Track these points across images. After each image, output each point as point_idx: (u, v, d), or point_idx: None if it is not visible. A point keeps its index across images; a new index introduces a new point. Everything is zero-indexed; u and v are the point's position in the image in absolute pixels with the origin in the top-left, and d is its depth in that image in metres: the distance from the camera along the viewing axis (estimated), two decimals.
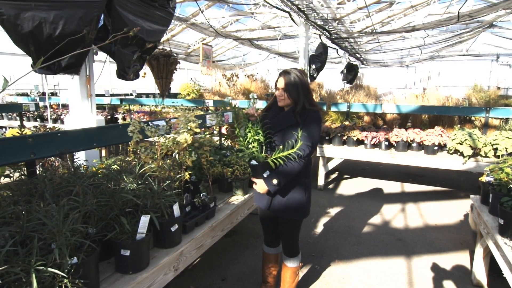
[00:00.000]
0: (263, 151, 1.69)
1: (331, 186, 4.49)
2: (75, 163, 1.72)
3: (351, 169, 5.27)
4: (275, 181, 1.60)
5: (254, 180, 1.71)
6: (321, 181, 4.29)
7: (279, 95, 1.69)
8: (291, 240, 1.84)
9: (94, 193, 1.34)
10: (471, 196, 2.44)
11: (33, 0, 1.62)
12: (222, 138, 3.32)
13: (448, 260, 2.56)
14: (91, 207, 1.26)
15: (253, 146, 1.66)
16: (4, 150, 1.38)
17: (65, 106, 6.64)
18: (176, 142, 1.69)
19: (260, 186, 1.67)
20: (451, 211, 3.55)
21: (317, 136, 1.67)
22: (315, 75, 7.29)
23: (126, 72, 2.25)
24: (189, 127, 1.77)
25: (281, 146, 1.63)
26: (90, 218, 1.28)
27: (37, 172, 1.62)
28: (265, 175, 1.63)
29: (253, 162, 1.63)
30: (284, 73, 1.68)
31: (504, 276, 1.67)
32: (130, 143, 1.62)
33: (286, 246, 1.86)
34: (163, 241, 1.53)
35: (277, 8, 5.44)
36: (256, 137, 1.66)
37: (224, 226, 2.04)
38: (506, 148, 3.25)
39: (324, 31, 6.78)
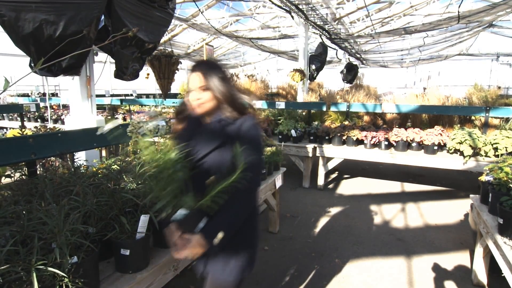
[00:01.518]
0: (188, 192, 1.05)
1: (331, 186, 4.49)
2: (75, 163, 1.72)
3: (351, 169, 5.27)
4: (220, 235, 1.01)
5: (179, 241, 1.03)
6: (321, 181, 4.29)
7: (196, 98, 1.13)
8: None
9: (94, 193, 1.35)
10: (471, 195, 2.45)
11: (34, 2, 1.63)
12: None
13: (448, 259, 2.56)
14: (91, 207, 1.27)
15: (172, 189, 1.02)
16: (5, 150, 1.39)
17: (65, 107, 6.66)
18: None
19: (194, 247, 1.00)
20: (451, 211, 3.55)
21: (262, 151, 1.20)
22: (315, 75, 7.29)
23: (124, 72, 2.26)
24: None
25: (204, 187, 1.04)
26: (90, 217, 1.29)
27: (38, 172, 1.63)
28: (200, 226, 1.04)
29: (180, 212, 1.04)
30: (199, 66, 1.16)
31: (503, 275, 1.67)
32: (130, 143, 1.63)
33: None
34: (163, 241, 1.54)
35: (277, 5, 5.46)
36: (174, 176, 1.03)
37: None
38: (506, 147, 3.25)
39: (324, 31, 6.80)
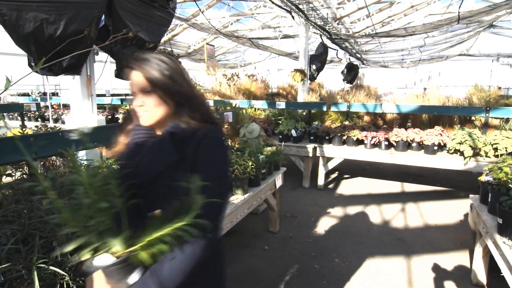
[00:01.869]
0: (122, 228, 0.75)
1: (331, 186, 4.49)
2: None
3: (351, 169, 5.28)
4: None
5: None
6: (321, 181, 4.30)
7: (139, 105, 0.88)
8: None
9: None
10: (471, 195, 2.45)
11: (35, 1, 1.63)
12: None
13: (448, 259, 2.57)
14: None
15: (98, 222, 0.72)
16: (5, 149, 1.39)
17: (66, 106, 6.67)
18: None
19: None
20: (451, 211, 3.55)
21: (228, 175, 0.91)
22: (316, 75, 7.30)
23: (124, 72, 2.26)
24: None
25: (154, 215, 0.75)
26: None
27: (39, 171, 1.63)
28: (130, 281, 0.75)
29: (100, 260, 0.72)
30: (140, 61, 0.88)
31: (503, 275, 1.68)
32: None
33: None
34: None
35: (277, 5, 5.46)
36: (102, 205, 0.72)
37: (224, 225, 2.05)
38: (506, 147, 3.25)
39: (324, 32, 6.80)
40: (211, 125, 0.91)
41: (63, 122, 5.43)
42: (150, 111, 0.88)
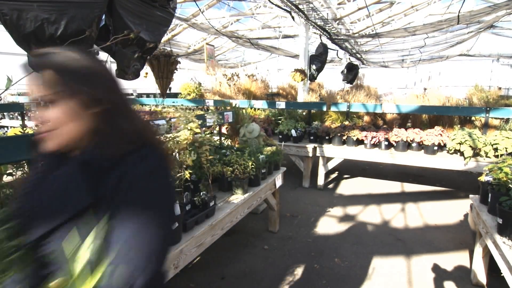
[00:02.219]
0: None
1: (331, 185, 4.50)
2: None
3: (351, 169, 5.28)
4: None
5: None
6: (321, 181, 4.30)
7: (41, 121, 0.63)
8: None
9: None
10: (470, 195, 2.45)
11: (36, 1, 1.64)
12: (222, 138, 3.33)
13: (448, 259, 2.57)
14: None
15: None
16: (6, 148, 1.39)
17: None
18: (177, 142, 1.70)
19: None
20: (451, 211, 3.56)
21: (165, 226, 0.66)
22: (316, 75, 7.30)
23: (125, 71, 2.27)
24: (189, 127, 1.78)
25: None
26: None
27: None
28: None
29: None
30: (42, 59, 0.63)
31: (503, 275, 1.68)
32: None
33: None
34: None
35: (277, 6, 5.46)
36: None
37: (224, 224, 2.06)
38: (506, 148, 3.25)
39: (324, 32, 6.80)
40: (144, 148, 0.64)
41: None
42: (56, 129, 0.61)
